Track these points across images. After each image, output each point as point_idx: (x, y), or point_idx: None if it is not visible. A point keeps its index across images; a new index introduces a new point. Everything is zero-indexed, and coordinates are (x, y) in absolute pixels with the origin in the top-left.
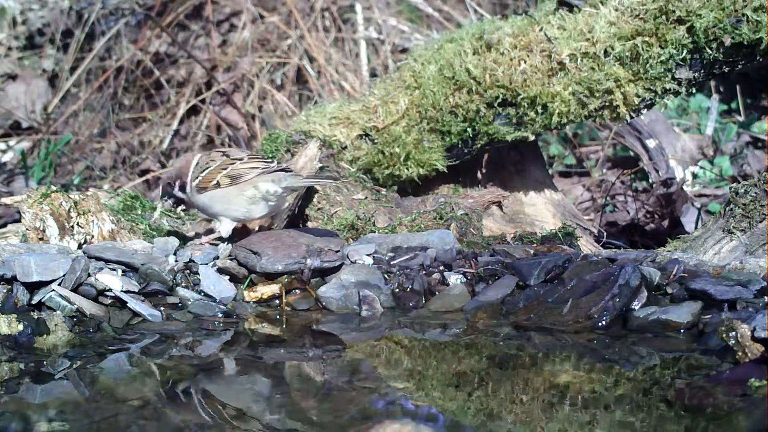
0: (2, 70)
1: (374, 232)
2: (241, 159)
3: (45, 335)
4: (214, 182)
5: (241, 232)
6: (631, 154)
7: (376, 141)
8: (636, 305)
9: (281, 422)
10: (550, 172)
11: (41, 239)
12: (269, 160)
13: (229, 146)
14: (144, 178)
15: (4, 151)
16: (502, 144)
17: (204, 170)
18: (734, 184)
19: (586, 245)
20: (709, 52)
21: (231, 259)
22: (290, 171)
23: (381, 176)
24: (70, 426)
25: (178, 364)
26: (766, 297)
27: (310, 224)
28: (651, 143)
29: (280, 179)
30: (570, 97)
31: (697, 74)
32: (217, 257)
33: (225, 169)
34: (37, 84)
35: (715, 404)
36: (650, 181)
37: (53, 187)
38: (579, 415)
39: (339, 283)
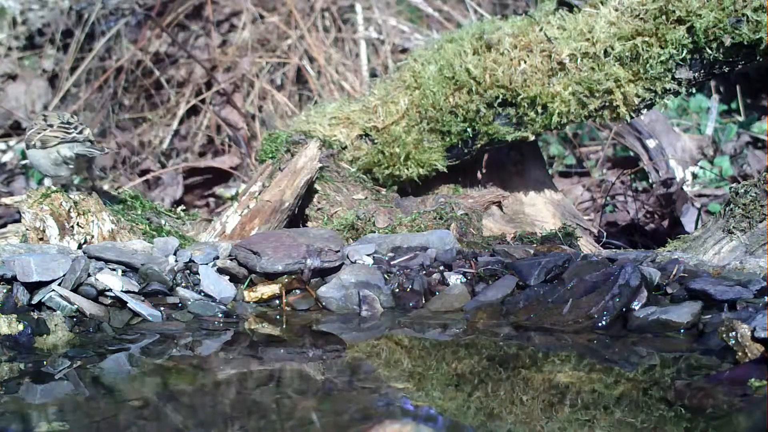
0: (2, 70)
1: (374, 232)
2: (51, 126)
3: (45, 335)
4: (33, 143)
5: (240, 232)
6: (631, 154)
7: (376, 141)
8: (636, 305)
9: (281, 422)
10: (550, 172)
11: (41, 239)
12: (69, 129)
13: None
14: (144, 178)
15: (4, 151)
16: (502, 144)
17: (30, 129)
18: (734, 184)
19: (586, 245)
20: (709, 52)
21: (231, 259)
22: (79, 141)
23: (381, 176)
24: (70, 426)
25: (178, 364)
26: (766, 297)
27: (310, 224)
28: (651, 143)
29: (73, 146)
30: (570, 97)
31: (697, 74)
32: (217, 257)
33: (39, 133)
34: (37, 84)
35: (715, 404)
36: (650, 181)
37: (53, 188)
38: (579, 415)
39: (339, 283)
